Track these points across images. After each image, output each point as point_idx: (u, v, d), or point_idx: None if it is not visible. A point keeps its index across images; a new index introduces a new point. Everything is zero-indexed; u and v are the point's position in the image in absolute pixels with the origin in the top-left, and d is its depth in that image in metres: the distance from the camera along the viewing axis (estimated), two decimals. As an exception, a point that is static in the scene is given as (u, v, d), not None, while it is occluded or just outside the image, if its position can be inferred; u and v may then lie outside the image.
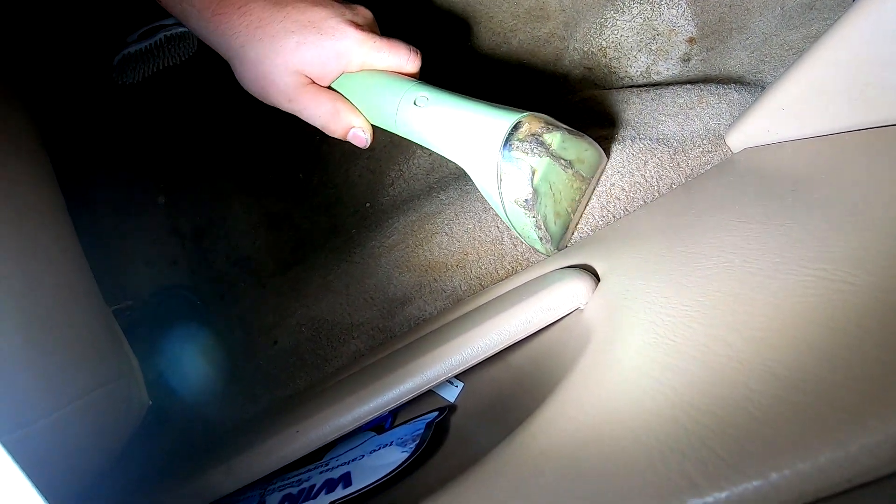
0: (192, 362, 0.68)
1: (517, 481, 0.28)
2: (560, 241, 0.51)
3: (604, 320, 0.36)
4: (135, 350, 0.64)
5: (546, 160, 0.46)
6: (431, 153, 0.72)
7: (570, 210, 0.51)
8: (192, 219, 0.81)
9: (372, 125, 0.52)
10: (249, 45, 0.48)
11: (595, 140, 0.51)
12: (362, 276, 0.64)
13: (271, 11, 0.47)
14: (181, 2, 0.48)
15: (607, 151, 0.54)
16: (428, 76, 0.52)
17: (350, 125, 0.51)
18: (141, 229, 0.82)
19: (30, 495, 0.26)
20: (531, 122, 0.46)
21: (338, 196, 0.80)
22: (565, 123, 0.48)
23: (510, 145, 0.45)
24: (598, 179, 0.53)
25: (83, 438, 0.49)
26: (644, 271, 0.38)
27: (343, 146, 0.76)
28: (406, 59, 0.50)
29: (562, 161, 0.47)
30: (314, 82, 0.50)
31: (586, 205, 0.53)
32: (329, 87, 0.51)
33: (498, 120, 0.46)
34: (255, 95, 0.51)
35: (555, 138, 0.46)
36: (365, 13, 0.51)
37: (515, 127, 0.46)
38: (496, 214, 0.56)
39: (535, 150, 0.45)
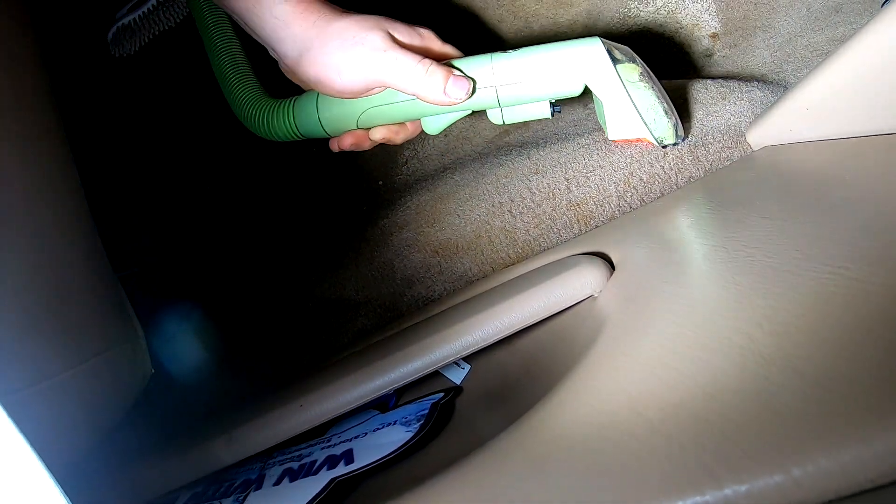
0: (196, 333, 0.68)
1: (526, 466, 0.28)
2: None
3: (619, 309, 0.36)
4: (139, 318, 0.64)
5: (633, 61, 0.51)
6: (447, 134, 0.71)
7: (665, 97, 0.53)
8: (200, 189, 0.80)
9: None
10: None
11: None
12: (372, 253, 0.63)
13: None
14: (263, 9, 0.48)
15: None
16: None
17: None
18: (148, 197, 0.82)
19: (28, 458, 0.25)
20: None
21: (350, 173, 0.80)
22: None
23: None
24: None
25: (83, 404, 0.49)
26: (661, 262, 0.38)
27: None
28: None
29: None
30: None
31: None
32: None
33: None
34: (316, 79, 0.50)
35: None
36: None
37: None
38: (511, 199, 0.56)
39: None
